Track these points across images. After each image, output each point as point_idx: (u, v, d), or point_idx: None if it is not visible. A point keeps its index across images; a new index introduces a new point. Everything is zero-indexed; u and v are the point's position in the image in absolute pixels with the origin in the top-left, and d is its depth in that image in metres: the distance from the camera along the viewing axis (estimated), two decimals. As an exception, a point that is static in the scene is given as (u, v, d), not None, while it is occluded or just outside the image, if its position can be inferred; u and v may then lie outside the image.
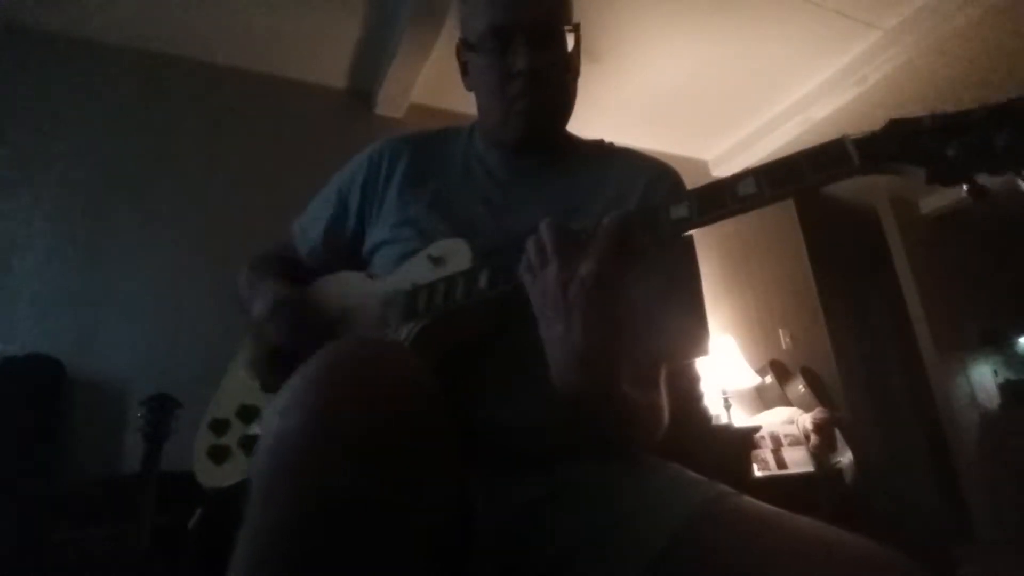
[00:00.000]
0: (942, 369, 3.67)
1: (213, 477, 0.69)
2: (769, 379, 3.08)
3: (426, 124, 0.97)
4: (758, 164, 0.57)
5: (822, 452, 2.73)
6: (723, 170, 3.37)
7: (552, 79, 0.77)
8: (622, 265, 0.57)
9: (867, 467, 2.75)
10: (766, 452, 2.72)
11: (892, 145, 0.51)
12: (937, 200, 4.01)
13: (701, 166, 3.47)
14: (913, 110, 0.53)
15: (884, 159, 0.51)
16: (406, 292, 0.71)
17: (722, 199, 0.57)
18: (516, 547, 0.59)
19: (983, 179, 0.48)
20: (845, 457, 2.71)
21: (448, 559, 0.52)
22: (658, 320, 0.71)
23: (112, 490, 1.61)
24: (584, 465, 0.63)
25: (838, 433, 2.79)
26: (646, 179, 0.80)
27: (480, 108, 0.84)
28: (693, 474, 0.63)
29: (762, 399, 3.13)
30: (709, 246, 3.38)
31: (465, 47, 0.81)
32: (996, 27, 2.50)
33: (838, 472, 2.68)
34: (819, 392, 3.02)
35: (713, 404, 2.72)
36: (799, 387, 3.01)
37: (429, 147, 0.88)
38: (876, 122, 0.53)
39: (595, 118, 2.89)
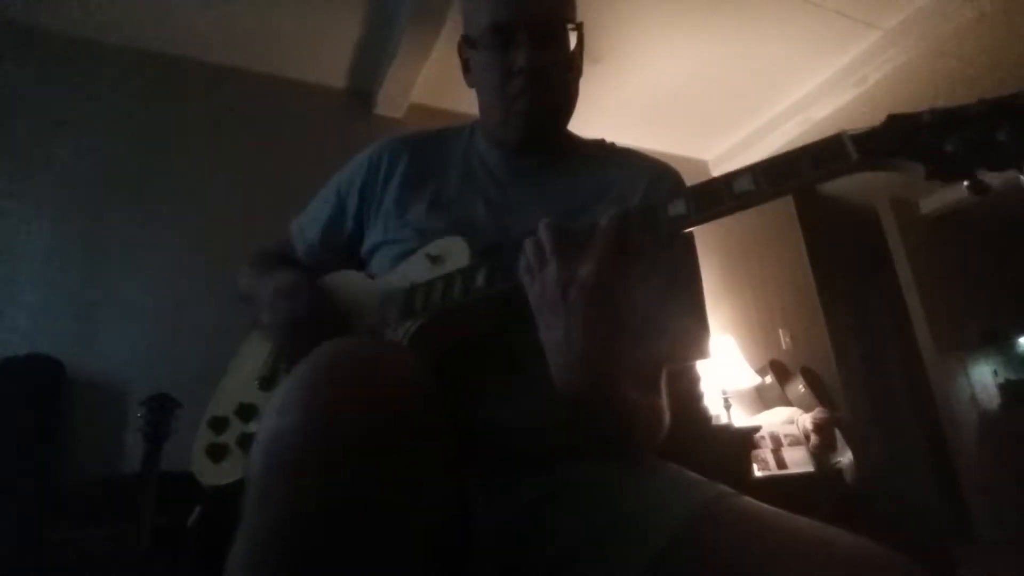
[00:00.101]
0: (942, 369, 3.66)
1: (212, 475, 0.69)
2: (769, 379, 3.08)
3: (426, 124, 0.97)
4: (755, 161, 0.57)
5: (822, 452, 2.73)
6: (723, 170, 3.32)
7: (554, 77, 0.77)
8: (621, 265, 0.57)
9: (867, 467, 2.75)
10: (766, 452, 2.72)
11: (890, 141, 0.51)
12: (937, 200, 4.01)
13: (701, 166, 3.47)
14: (913, 110, 0.53)
15: (882, 155, 0.51)
16: (404, 291, 0.71)
17: (720, 196, 0.56)
18: (516, 547, 0.59)
19: (984, 175, 0.48)
20: (845, 457, 2.71)
21: (448, 559, 0.52)
22: (659, 321, 0.71)
23: (112, 490, 1.61)
24: (584, 465, 0.63)
25: (838, 433, 2.79)
26: (647, 179, 0.80)
27: (481, 106, 0.84)
28: (693, 474, 0.63)
29: (762, 399, 3.13)
30: (709, 246, 3.38)
31: (467, 44, 0.81)
32: (996, 27, 2.50)
33: (838, 472, 2.68)
34: (819, 392, 3.02)
35: (713, 404, 2.72)
36: (799, 387, 3.01)
37: (429, 147, 0.87)
38: (876, 122, 0.53)
39: (595, 118, 2.89)
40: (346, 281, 0.82)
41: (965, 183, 0.48)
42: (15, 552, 1.45)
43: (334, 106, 2.66)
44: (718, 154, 3.44)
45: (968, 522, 3.48)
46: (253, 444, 0.43)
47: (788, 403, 3.01)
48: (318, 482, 0.40)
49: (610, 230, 0.57)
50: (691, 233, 0.79)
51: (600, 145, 0.89)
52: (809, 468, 2.67)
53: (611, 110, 2.91)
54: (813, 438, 2.75)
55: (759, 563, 0.47)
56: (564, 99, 0.81)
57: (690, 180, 0.71)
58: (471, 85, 0.85)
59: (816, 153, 0.53)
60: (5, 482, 1.56)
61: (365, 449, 0.41)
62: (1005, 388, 3.93)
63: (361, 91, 2.68)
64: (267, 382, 0.76)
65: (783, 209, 3.43)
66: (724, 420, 2.71)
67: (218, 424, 0.73)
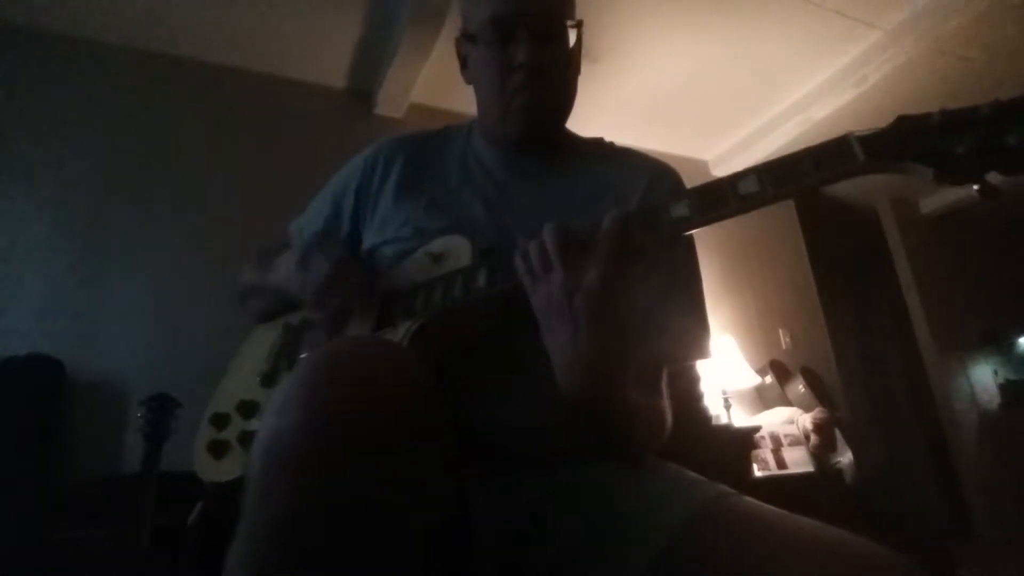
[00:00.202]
0: (942, 369, 3.67)
1: (213, 472, 0.69)
2: (769, 379, 3.08)
3: (426, 124, 0.97)
4: (759, 162, 0.56)
5: (822, 452, 2.73)
6: (723, 170, 3.37)
7: (554, 74, 0.77)
8: (625, 267, 0.57)
9: (867, 467, 2.75)
10: (766, 452, 2.72)
11: (899, 143, 0.50)
12: (937, 200, 4.01)
13: (701, 166, 3.47)
14: (914, 110, 0.52)
15: (890, 157, 0.50)
16: (404, 291, 0.71)
17: (724, 198, 0.56)
18: (516, 547, 0.59)
19: (993, 178, 0.47)
20: (845, 457, 2.71)
21: (448, 559, 0.52)
22: (659, 321, 0.71)
23: (112, 490, 1.61)
24: (584, 465, 0.63)
25: (838, 433, 2.79)
26: (647, 179, 0.80)
27: (479, 103, 0.83)
28: (693, 474, 0.63)
29: (762, 399, 3.13)
30: (709, 246, 3.38)
31: (465, 39, 0.80)
32: (996, 27, 2.50)
33: (838, 472, 2.68)
34: (819, 392, 3.02)
35: (713, 404, 2.72)
36: (799, 387, 3.01)
37: (426, 148, 0.87)
38: (876, 122, 0.52)
39: (595, 118, 2.89)
40: None
41: (974, 187, 0.47)
42: (15, 552, 1.45)
43: (334, 106, 2.66)
44: (718, 154, 3.44)
45: (968, 522, 3.48)
46: (254, 442, 0.43)
47: (788, 403, 3.01)
48: (318, 481, 0.40)
49: (613, 232, 0.57)
50: (691, 234, 0.79)
51: (599, 144, 0.88)
52: (809, 468, 2.67)
53: (611, 110, 2.91)
54: (813, 438, 2.75)
55: (759, 563, 0.47)
56: (563, 96, 0.81)
57: (690, 180, 0.71)
58: (469, 81, 0.84)
59: (823, 155, 0.52)
60: (5, 482, 1.56)
61: (365, 448, 0.41)
62: (1005, 388, 3.93)
63: (361, 91, 2.68)
64: (268, 379, 0.76)
65: (783, 209, 3.43)
66: (724, 420, 2.71)
67: (219, 420, 0.74)
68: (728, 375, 2.83)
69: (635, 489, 0.59)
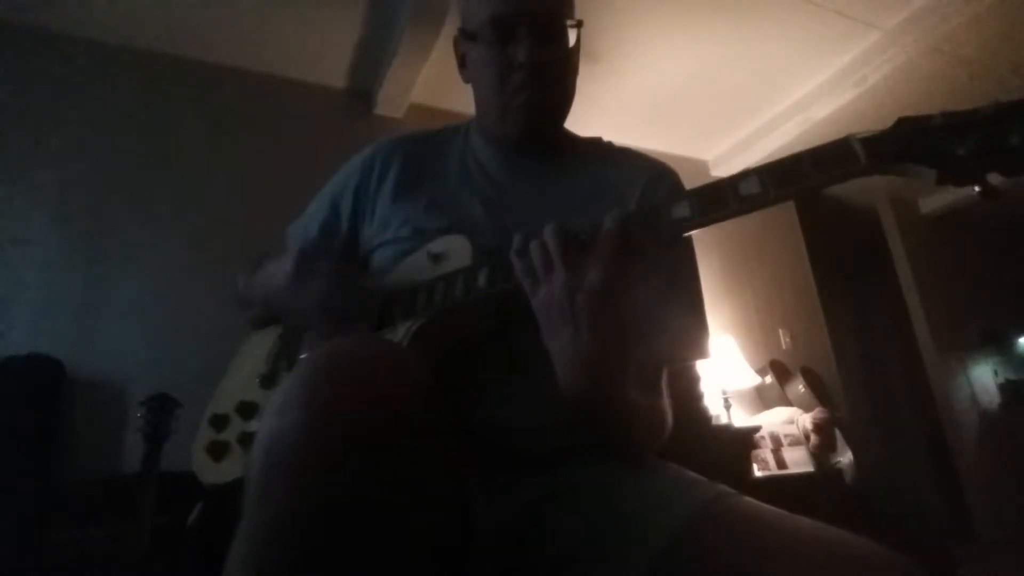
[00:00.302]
0: (942, 369, 3.67)
1: (212, 473, 0.69)
2: (769, 379, 3.08)
3: (426, 124, 0.97)
4: (760, 163, 0.56)
5: (822, 452, 2.73)
6: (723, 170, 3.37)
7: (553, 74, 0.77)
8: (625, 267, 0.57)
9: (867, 467, 2.75)
10: (766, 452, 2.72)
11: (900, 145, 0.50)
12: (937, 200, 4.01)
13: (701, 166, 3.47)
14: (914, 110, 0.52)
15: (892, 159, 0.50)
16: (404, 291, 0.71)
17: (724, 199, 0.56)
18: (516, 547, 0.59)
19: (995, 179, 0.47)
20: (845, 457, 2.71)
21: (448, 559, 0.52)
22: (659, 321, 0.71)
23: (112, 490, 1.61)
24: (584, 465, 0.63)
25: (838, 433, 2.79)
26: (645, 179, 0.80)
27: (478, 102, 0.83)
28: (693, 474, 0.63)
29: (762, 399, 3.13)
30: (709, 246, 3.38)
31: (464, 37, 0.80)
32: (996, 27, 2.50)
33: (838, 472, 2.68)
34: (819, 392, 3.02)
35: (713, 404, 2.72)
36: (799, 387, 3.01)
37: (424, 148, 0.87)
38: (876, 122, 0.52)
39: (595, 118, 2.89)
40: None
41: (976, 188, 0.47)
42: (15, 552, 1.45)
43: (334, 106, 2.66)
44: (718, 154, 3.44)
45: (968, 522, 3.48)
46: (254, 443, 0.43)
47: (788, 403, 3.01)
48: (318, 481, 0.40)
49: (614, 232, 0.57)
50: (690, 234, 0.79)
51: (597, 144, 0.88)
52: (809, 468, 2.67)
53: (611, 110, 2.91)
54: (813, 438, 2.75)
55: (759, 563, 0.47)
56: (562, 96, 0.80)
57: (690, 180, 0.71)
58: (467, 80, 0.84)
59: (824, 156, 0.52)
60: (5, 482, 1.56)
61: (365, 448, 0.41)
62: (1005, 388, 3.93)
63: (361, 91, 2.68)
64: (268, 380, 0.76)
65: (783, 209, 3.43)
66: (724, 420, 2.71)
67: (219, 422, 0.73)
68: (728, 375, 2.83)
69: (635, 489, 0.59)
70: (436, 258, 0.71)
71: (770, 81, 2.88)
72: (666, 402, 0.72)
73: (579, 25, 0.77)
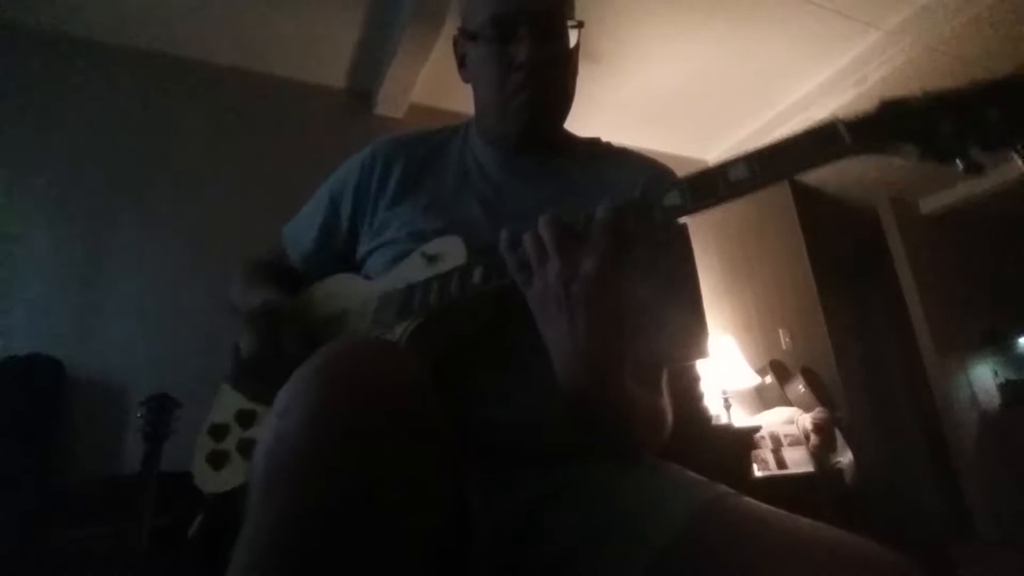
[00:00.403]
0: (942, 369, 3.66)
1: (213, 482, 0.69)
2: (769, 379, 3.08)
3: (426, 124, 0.96)
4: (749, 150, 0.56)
5: (822, 452, 2.73)
6: (723, 170, 3.36)
7: (554, 73, 0.77)
8: (620, 256, 0.57)
9: (867, 467, 2.75)
10: (766, 452, 2.72)
11: (884, 125, 0.51)
12: (937, 200, 4.01)
13: (701, 166, 3.46)
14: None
15: (876, 139, 0.51)
16: (401, 291, 0.71)
17: (715, 185, 0.56)
18: (515, 546, 0.59)
19: (977, 154, 0.48)
20: (845, 457, 2.71)
21: (447, 559, 0.52)
22: (657, 319, 0.71)
23: (112, 490, 1.61)
24: (584, 464, 0.63)
25: (838, 433, 2.79)
26: (644, 179, 0.79)
27: (478, 102, 0.83)
28: (693, 474, 0.63)
29: (762, 399, 3.13)
30: (709, 246, 3.38)
31: (465, 37, 0.80)
32: (996, 27, 2.50)
33: (838, 472, 2.68)
34: (819, 392, 3.02)
35: (713, 404, 2.72)
36: (799, 387, 3.01)
37: (423, 149, 0.87)
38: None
39: (595, 118, 2.89)
40: (340, 285, 0.81)
41: (959, 163, 0.48)
42: (15, 552, 1.45)
43: (334, 106, 2.66)
44: (718, 154, 3.44)
45: (968, 522, 3.48)
46: (256, 447, 0.44)
47: (788, 403, 3.01)
48: (321, 482, 0.40)
49: (606, 222, 0.57)
50: (686, 231, 0.79)
51: (596, 144, 0.88)
52: (809, 468, 2.67)
53: (611, 110, 2.91)
54: (813, 438, 2.75)
55: (759, 563, 0.47)
56: (562, 96, 0.80)
57: (690, 180, 0.71)
58: (466, 80, 0.84)
59: (810, 138, 0.53)
60: (5, 482, 1.56)
61: (367, 449, 0.41)
62: (1005, 388, 3.93)
63: (361, 91, 2.68)
64: None
65: (783, 209, 3.43)
66: (724, 420, 2.71)
67: (218, 431, 0.73)
68: (728, 375, 2.83)
69: (635, 488, 0.59)
70: (430, 259, 0.71)
71: (770, 81, 2.88)
72: (666, 401, 0.72)
73: (580, 26, 0.77)
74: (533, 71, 0.74)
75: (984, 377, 3.91)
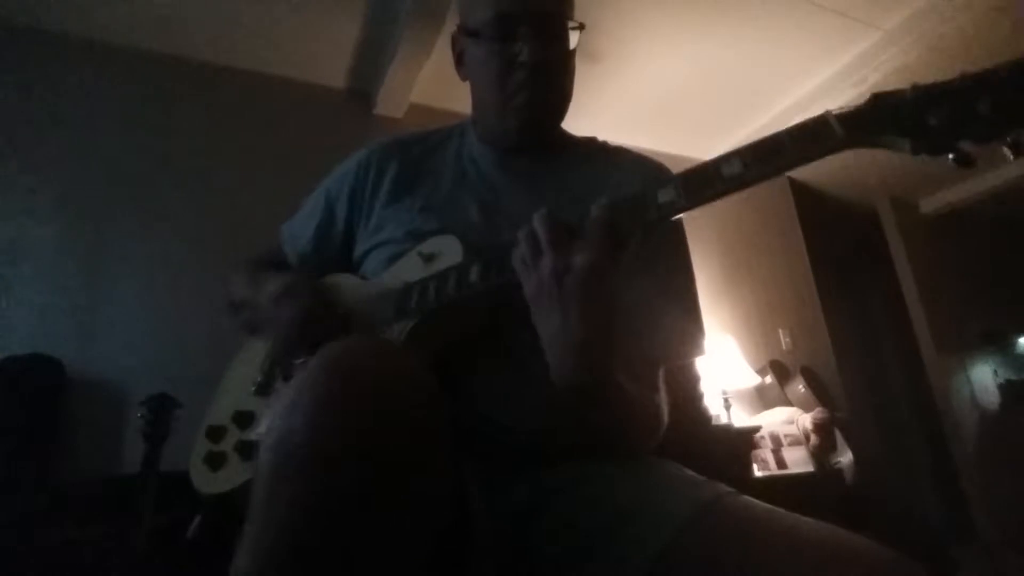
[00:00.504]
0: (942, 369, 3.66)
1: (211, 484, 0.69)
2: (769, 379, 3.08)
3: (426, 124, 0.97)
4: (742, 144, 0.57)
5: (822, 452, 2.73)
6: (723, 170, 3.36)
7: (555, 74, 0.77)
8: (614, 253, 0.57)
9: (867, 467, 2.75)
10: (766, 452, 2.72)
11: (875, 118, 0.51)
12: (937, 200, 4.01)
13: (701, 166, 3.46)
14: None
15: (868, 132, 0.51)
16: (398, 291, 0.71)
17: (709, 180, 0.57)
18: (515, 547, 0.59)
19: (968, 147, 0.48)
20: (845, 457, 2.71)
21: (448, 559, 0.52)
22: (654, 320, 0.71)
23: (112, 490, 1.61)
24: (583, 464, 0.63)
25: (838, 433, 2.79)
26: (641, 179, 0.80)
27: (476, 100, 0.83)
28: (693, 474, 0.63)
29: (762, 399, 3.13)
30: (709, 246, 3.38)
31: (466, 34, 0.80)
32: (996, 28, 2.50)
33: (838, 472, 2.68)
34: (819, 392, 3.02)
35: (713, 404, 2.72)
36: (799, 387, 3.01)
37: (420, 150, 0.87)
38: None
39: (595, 118, 2.89)
40: (340, 284, 0.81)
41: (950, 156, 0.49)
42: (15, 552, 1.45)
43: (334, 106, 2.66)
44: (718, 154, 3.44)
45: (968, 522, 3.48)
46: (261, 445, 0.44)
47: (788, 403, 3.01)
48: (324, 482, 0.40)
49: (601, 219, 0.57)
50: (682, 228, 0.80)
51: (593, 144, 0.89)
52: (809, 468, 2.67)
53: (611, 110, 2.91)
54: (813, 438, 2.75)
55: (759, 563, 0.47)
56: (561, 97, 0.81)
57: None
58: (464, 78, 0.84)
59: (803, 132, 0.54)
60: (5, 482, 1.56)
61: (371, 448, 0.41)
62: (1005, 388, 3.93)
63: (361, 91, 2.68)
64: (263, 388, 0.76)
65: (783, 209, 3.43)
66: (724, 420, 2.71)
67: (215, 433, 0.73)
68: (728, 375, 2.83)
69: (635, 489, 0.59)
70: (427, 259, 0.71)
71: (770, 81, 2.88)
72: (662, 398, 0.72)
73: (580, 27, 0.78)
74: (534, 71, 0.74)
75: (984, 377, 3.90)
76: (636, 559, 0.52)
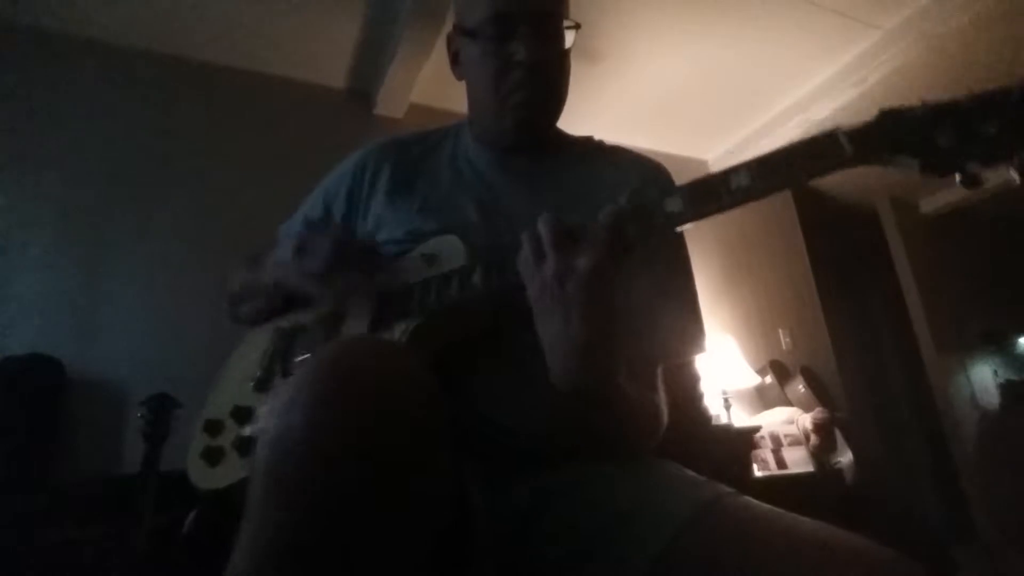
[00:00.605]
0: (942, 369, 3.66)
1: (208, 479, 0.69)
2: (769, 379, 3.08)
3: (426, 124, 0.97)
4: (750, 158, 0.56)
5: (822, 452, 2.73)
6: (723, 170, 3.36)
7: (550, 73, 0.77)
8: (618, 259, 0.57)
9: (867, 467, 2.75)
10: (766, 452, 2.72)
11: (884, 136, 0.51)
12: (937, 200, 4.01)
13: (701, 166, 3.47)
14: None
15: (876, 150, 0.51)
16: (400, 291, 0.71)
17: (716, 192, 0.56)
18: (516, 547, 0.59)
19: (976, 168, 0.48)
20: (845, 457, 2.71)
21: (448, 559, 0.52)
22: (654, 319, 0.71)
23: (111, 490, 1.61)
24: (584, 465, 0.63)
25: (838, 433, 2.79)
26: (638, 177, 0.80)
27: (472, 100, 0.83)
28: (693, 474, 0.63)
29: (762, 399, 3.13)
30: (709, 246, 3.38)
31: (462, 33, 0.80)
32: (996, 28, 2.50)
33: (838, 472, 2.68)
34: (819, 392, 3.02)
35: (713, 404, 2.72)
36: (799, 387, 3.01)
37: (416, 150, 0.87)
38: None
39: (595, 118, 2.89)
40: None
41: (957, 177, 0.49)
42: (15, 552, 1.45)
43: (334, 106, 2.66)
44: (718, 154, 3.44)
45: (968, 522, 3.48)
46: (259, 441, 0.43)
47: (788, 403, 3.01)
48: (323, 479, 0.40)
49: (607, 224, 0.57)
50: (684, 232, 0.80)
51: (589, 143, 0.89)
52: (809, 468, 2.67)
53: (611, 110, 2.91)
54: (813, 438, 2.75)
55: (759, 563, 0.47)
56: (557, 97, 0.81)
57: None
58: (459, 77, 0.84)
59: (812, 148, 0.54)
60: (5, 482, 1.56)
61: (371, 447, 0.41)
62: (1005, 388, 3.93)
63: (361, 91, 2.68)
64: (262, 384, 0.76)
65: (783, 209, 3.43)
66: (724, 420, 2.71)
67: (213, 427, 0.73)
68: (728, 375, 2.83)
69: (635, 489, 0.59)
70: (428, 259, 0.71)
71: (770, 81, 2.88)
72: (662, 398, 0.72)
73: (576, 27, 0.78)
74: (532, 70, 0.74)
75: (984, 377, 3.90)
76: (636, 559, 0.52)
